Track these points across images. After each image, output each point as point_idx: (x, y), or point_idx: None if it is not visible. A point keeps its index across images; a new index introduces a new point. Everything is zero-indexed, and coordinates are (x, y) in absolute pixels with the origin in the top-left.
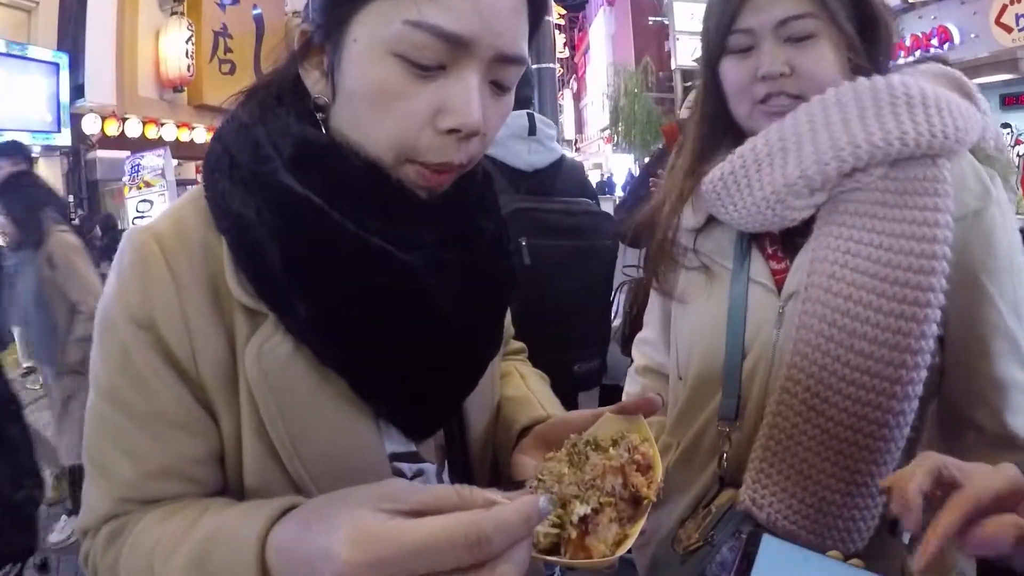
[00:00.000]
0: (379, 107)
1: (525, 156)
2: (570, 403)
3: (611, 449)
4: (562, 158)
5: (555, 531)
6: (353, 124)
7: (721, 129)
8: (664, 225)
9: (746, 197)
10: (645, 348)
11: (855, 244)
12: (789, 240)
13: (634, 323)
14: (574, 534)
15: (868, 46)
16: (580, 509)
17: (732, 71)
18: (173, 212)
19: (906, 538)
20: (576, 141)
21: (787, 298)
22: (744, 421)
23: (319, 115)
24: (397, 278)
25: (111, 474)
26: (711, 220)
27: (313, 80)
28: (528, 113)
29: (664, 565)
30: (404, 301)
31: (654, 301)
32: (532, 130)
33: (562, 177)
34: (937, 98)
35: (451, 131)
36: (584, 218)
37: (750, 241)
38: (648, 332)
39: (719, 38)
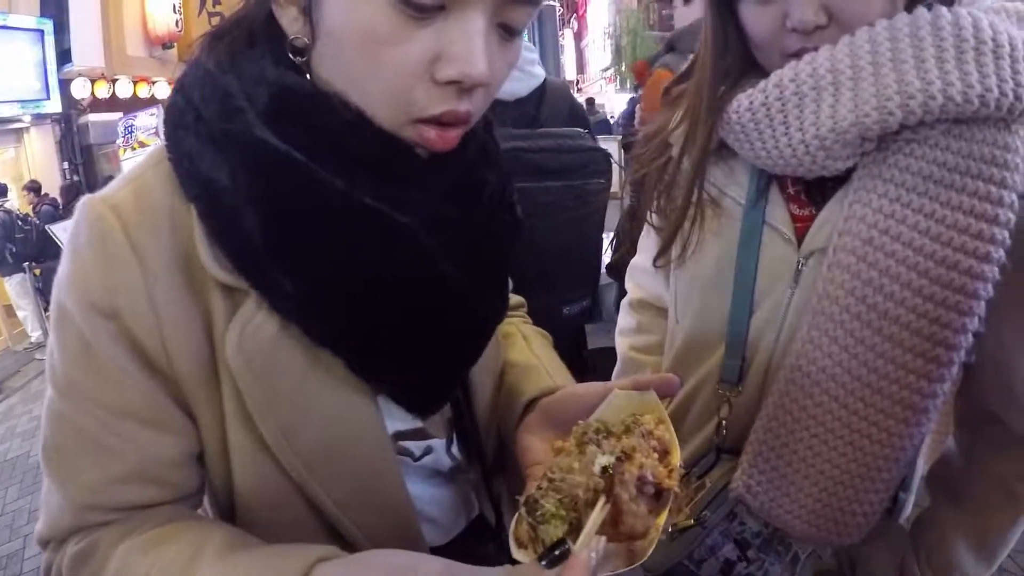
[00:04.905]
0: (367, 55)
1: (505, 84)
2: (559, 345)
3: (623, 437)
4: (544, 82)
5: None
6: (338, 71)
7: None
8: (669, 148)
9: (780, 137)
10: (640, 277)
11: (901, 208)
12: (818, 182)
13: (625, 258)
14: (602, 501)
15: None
16: (602, 460)
17: (753, 19)
18: (133, 178)
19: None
20: (578, 81)
21: (808, 254)
22: (746, 386)
23: (297, 59)
24: (395, 242)
25: (73, 479)
26: (724, 145)
27: (290, 18)
28: None
29: None
30: (403, 267)
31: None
32: None
33: (547, 103)
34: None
35: (451, 82)
36: (575, 156)
37: (770, 176)
38: (643, 258)
39: None
